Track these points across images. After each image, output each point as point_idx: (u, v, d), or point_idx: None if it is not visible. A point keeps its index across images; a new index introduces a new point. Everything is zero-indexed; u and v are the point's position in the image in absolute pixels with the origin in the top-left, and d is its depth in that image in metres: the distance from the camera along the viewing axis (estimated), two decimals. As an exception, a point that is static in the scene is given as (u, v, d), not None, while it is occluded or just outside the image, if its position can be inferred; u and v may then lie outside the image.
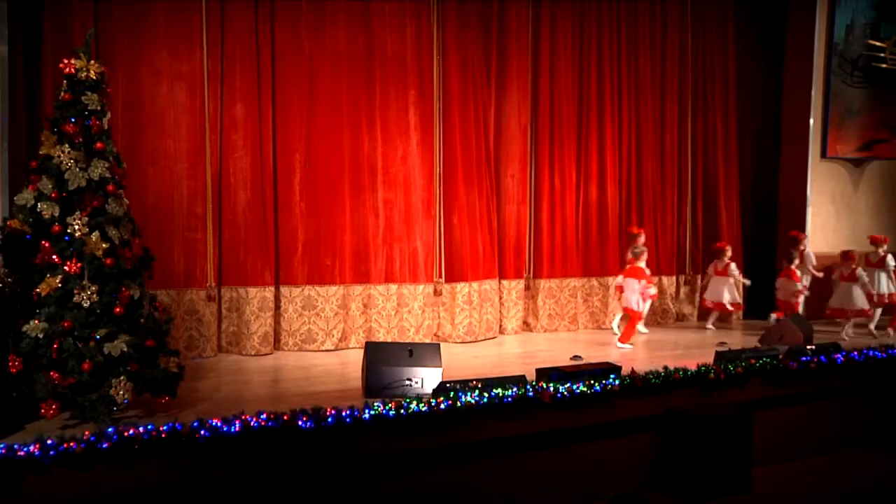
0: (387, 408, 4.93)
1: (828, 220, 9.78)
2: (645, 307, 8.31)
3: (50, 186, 4.81)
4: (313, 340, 7.46)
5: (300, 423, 4.65)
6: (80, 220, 4.81)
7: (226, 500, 4.64)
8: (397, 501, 5.10)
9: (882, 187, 10.14)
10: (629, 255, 8.27)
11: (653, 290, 8.37)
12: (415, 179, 7.93)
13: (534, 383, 5.51)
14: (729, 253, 8.89)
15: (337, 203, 7.60)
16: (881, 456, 6.93)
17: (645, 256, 8.19)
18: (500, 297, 8.50)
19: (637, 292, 8.00)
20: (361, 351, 6.07)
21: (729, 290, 8.82)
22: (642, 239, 8.44)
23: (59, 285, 4.71)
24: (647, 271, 8.28)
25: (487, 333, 8.24)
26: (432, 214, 8.04)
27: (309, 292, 7.48)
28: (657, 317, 9.27)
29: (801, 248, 8.90)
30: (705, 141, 9.66)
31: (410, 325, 7.90)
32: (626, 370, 5.91)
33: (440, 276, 8.08)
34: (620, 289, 8.20)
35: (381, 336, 7.67)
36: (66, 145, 4.86)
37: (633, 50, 9.16)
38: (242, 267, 7.22)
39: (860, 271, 8.45)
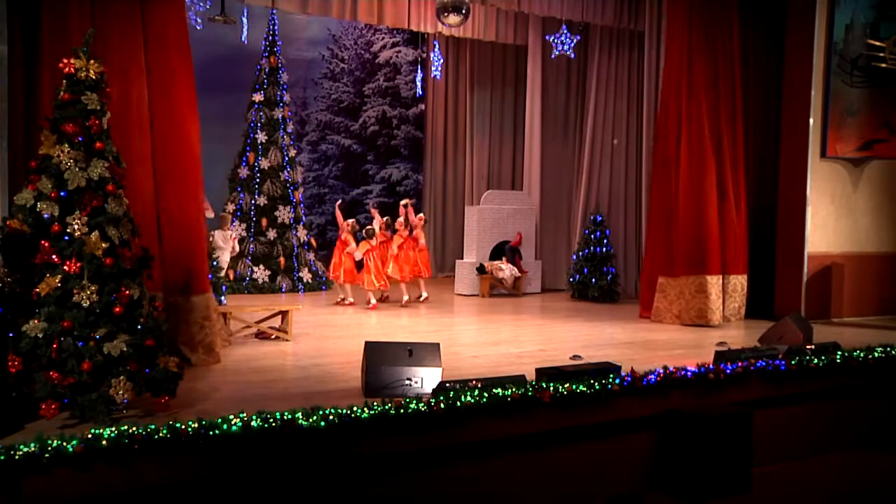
0: (386, 407, 4.93)
1: (827, 220, 9.77)
2: None
3: (49, 186, 4.80)
4: None
5: (300, 422, 4.65)
6: (79, 219, 4.80)
7: (226, 500, 4.63)
8: (397, 501, 5.09)
9: (882, 187, 10.13)
10: None
11: None
12: None
13: (533, 383, 5.51)
14: None
15: None
16: (881, 456, 6.93)
17: None
18: None
19: None
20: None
21: None
22: None
23: (59, 285, 4.70)
24: None
25: None
26: None
27: None
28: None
29: None
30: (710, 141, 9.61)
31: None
32: (626, 370, 5.91)
33: None
34: None
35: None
36: (66, 145, 4.86)
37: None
38: None
39: None
